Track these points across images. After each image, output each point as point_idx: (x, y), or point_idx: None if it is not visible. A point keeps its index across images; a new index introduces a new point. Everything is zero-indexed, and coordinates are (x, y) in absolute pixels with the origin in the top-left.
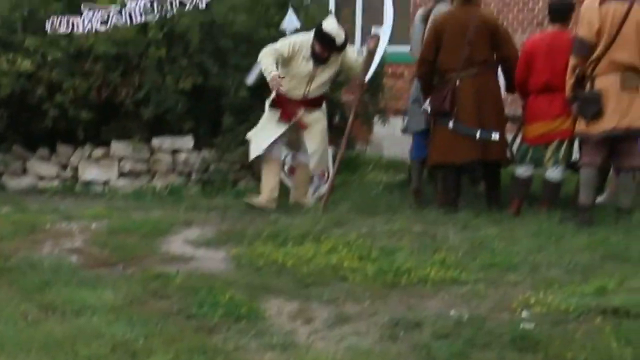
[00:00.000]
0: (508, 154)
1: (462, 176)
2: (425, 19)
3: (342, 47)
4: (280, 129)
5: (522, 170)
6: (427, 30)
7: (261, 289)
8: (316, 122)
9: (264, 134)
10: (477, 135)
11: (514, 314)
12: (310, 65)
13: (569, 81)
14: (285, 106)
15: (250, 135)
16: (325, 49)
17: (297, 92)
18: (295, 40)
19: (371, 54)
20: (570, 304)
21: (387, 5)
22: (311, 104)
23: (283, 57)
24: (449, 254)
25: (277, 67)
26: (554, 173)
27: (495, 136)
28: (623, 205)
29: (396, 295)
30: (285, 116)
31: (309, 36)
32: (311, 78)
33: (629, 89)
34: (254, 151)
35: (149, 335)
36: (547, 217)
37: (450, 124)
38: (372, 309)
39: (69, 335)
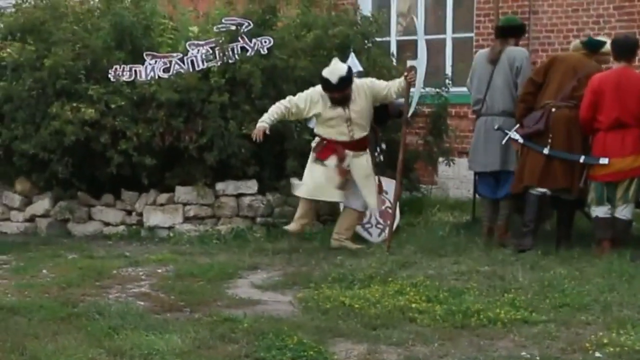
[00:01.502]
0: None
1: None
2: (493, 61)
3: (344, 81)
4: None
5: (603, 211)
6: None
7: (329, 332)
8: (366, 164)
9: (317, 178)
10: (582, 159)
11: (587, 355)
12: (338, 109)
13: None
14: (336, 149)
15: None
16: (331, 91)
17: (343, 137)
18: (313, 90)
19: (409, 86)
20: None
21: (420, 37)
22: (357, 147)
23: (299, 108)
24: (518, 294)
25: (275, 119)
26: (624, 212)
27: (604, 160)
28: None
29: (466, 337)
30: (337, 155)
31: None
32: (347, 120)
33: None
34: (304, 191)
35: None
36: (617, 256)
37: (546, 150)
38: (442, 350)
39: None
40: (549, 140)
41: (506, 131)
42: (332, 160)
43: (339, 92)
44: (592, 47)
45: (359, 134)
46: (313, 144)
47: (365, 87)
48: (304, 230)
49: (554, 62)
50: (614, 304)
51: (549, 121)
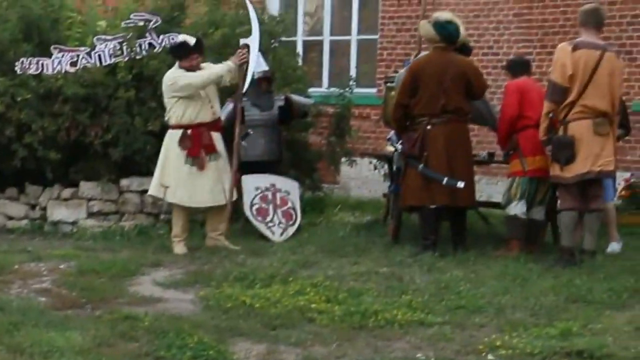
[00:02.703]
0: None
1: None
2: None
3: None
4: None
5: (520, 209)
6: (404, 74)
7: (229, 331)
8: (223, 148)
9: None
10: (444, 181)
11: (480, 357)
12: None
13: (543, 125)
14: (203, 137)
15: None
16: (190, 55)
17: (207, 117)
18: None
19: (243, 64)
20: (536, 347)
21: (252, 16)
22: (217, 128)
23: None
24: (415, 296)
25: None
26: (540, 213)
27: (461, 184)
28: (588, 247)
29: (363, 338)
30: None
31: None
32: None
33: (600, 134)
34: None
35: None
36: (512, 260)
37: (420, 167)
38: (340, 351)
39: None
40: (423, 159)
41: (394, 145)
42: (201, 156)
43: (198, 54)
44: (451, 37)
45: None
46: (169, 137)
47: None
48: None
49: (416, 76)
50: (507, 307)
51: (425, 141)
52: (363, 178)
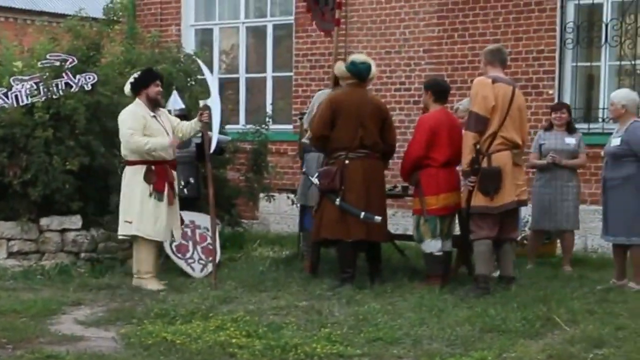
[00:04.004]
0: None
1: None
2: None
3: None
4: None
5: (435, 246)
6: (321, 107)
7: None
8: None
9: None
10: (361, 216)
11: None
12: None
13: (468, 156)
14: (167, 174)
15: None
16: (154, 82)
17: (168, 155)
18: (129, 109)
19: (206, 125)
20: None
21: (209, 78)
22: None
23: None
24: (334, 328)
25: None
26: (449, 244)
27: (378, 219)
28: (508, 274)
29: None
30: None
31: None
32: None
33: (518, 165)
34: (154, 233)
35: None
36: (427, 291)
37: (337, 201)
38: None
39: None
40: (341, 193)
41: (310, 177)
42: (166, 192)
43: (160, 84)
44: (362, 76)
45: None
46: (131, 173)
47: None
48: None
49: (335, 110)
50: (424, 338)
51: (343, 175)
52: (282, 213)
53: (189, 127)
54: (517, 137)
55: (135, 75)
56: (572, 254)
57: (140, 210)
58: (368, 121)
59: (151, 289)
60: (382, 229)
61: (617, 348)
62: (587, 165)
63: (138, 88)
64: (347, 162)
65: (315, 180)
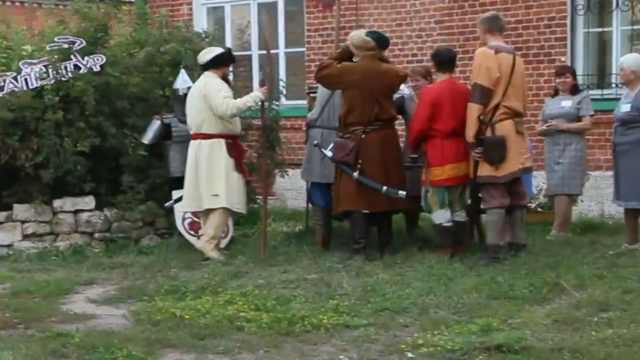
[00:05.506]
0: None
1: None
2: None
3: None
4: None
5: (444, 217)
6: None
7: (158, 343)
8: None
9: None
10: (383, 191)
11: (402, 356)
12: None
13: (473, 128)
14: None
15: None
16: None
17: (237, 130)
18: (216, 82)
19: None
20: (456, 343)
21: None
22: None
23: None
24: (342, 300)
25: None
26: (461, 216)
27: (402, 194)
28: (520, 241)
29: (290, 343)
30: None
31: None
32: None
33: (520, 133)
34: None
35: None
36: (437, 261)
37: (355, 175)
38: (267, 357)
39: None
40: (359, 166)
41: (322, 150)
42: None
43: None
44: (384, 42)
45: None
46: (210, 147)
47: None
48: None
49: (349, 82)
50: (430, 306)
51: (358, 149)
52: (298, 188)
53: (254, 95)
54: (519, 106)
55: (218, 51)
56: (565, 219)
57: (225, 183)
58: (383, 97)
59: (213, 256)
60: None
61: (622, 311)
62: (602, 130)
63: (220, 64)
64: (363, 136)
65: (329, 153)
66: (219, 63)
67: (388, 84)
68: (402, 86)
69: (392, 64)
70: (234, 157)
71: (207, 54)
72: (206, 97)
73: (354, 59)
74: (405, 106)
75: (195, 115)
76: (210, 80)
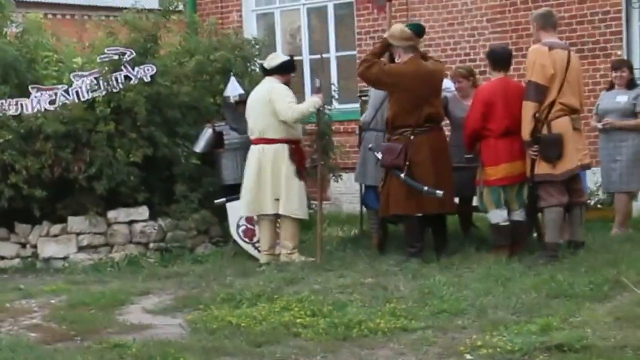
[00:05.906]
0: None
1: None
2: None
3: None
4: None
5: (500, 216)
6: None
7: (214, 352)
8: None
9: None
10: (424, 190)
11: (461, 358)
12: None
13: (529, 126)
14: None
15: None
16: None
17: (299, 135)
18: (281, 87)
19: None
20: (516, 344)
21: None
22: None
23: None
24: (399, 303)
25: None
26: (521, 214)
27: (440, 193)
28: (579, 238)
29: (347, 348)
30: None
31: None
32: None
33: (576, 130)
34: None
35: None
36: (494, 261)
37: (402, 175)
38: None
39: None
40: (406, 169)
41: (375, 153)
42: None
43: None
44: (420, 30)
45: None
46: (273, 152)
47: None
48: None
49: (398, 85)
50: (489, 307)
51: (408, 151)
52: (354, 192)
53: (314, 101)
54: (575, 102)
55: (284, 58)
56: (625, 217)
57: (286, 189)
58: (433, 97)
59: (302, 259)
60: (452, 201)
61: None
62: None
63: (286, 70)
64: (412, 137)
65: (380, 156)
66: (285, 69)
67: (438, 85)
68: (447, 82)
69: (432, 59)
70: (296, 162)
71: (274, 59)
72: (271, 101)
73: (393, 53)
74: (450, 106)
75: (259, 120)
76: (276, 85)
